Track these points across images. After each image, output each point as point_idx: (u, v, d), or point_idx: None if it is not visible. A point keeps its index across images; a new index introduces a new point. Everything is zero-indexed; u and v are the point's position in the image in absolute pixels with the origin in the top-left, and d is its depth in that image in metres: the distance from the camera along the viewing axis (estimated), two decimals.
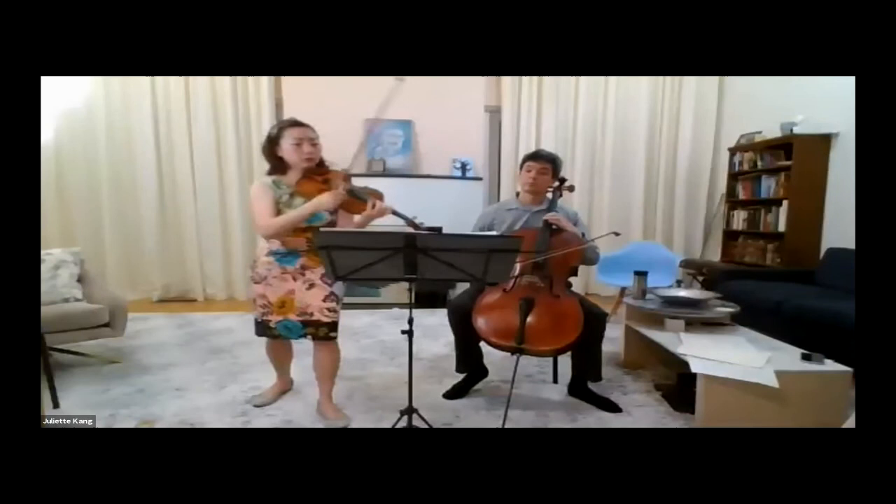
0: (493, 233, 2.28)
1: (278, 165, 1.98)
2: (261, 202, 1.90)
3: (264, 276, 1.98)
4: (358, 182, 1.99)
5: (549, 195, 2.40)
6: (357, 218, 1.95)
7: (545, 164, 2.35)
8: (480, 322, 2.03)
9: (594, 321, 2.10)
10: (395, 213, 1.86)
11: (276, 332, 2.01)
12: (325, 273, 2.02)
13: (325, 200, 1.85)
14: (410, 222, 1.81)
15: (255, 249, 2.04)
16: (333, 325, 1.99)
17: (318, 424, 2.03)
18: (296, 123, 1.96)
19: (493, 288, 2.16)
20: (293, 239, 1.95)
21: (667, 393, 2.33)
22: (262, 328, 2.03)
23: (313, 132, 1.97)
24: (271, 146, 1.96)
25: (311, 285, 1.97)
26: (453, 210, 4.29)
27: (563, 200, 2.48)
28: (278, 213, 1.92)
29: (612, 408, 2.19)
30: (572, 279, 2.37)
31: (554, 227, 2.23)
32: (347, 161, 2.10)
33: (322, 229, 2.01)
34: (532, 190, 2.37)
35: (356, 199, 1.87)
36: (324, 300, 1.97)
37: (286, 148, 1.92)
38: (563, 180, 2.42)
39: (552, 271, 2.17)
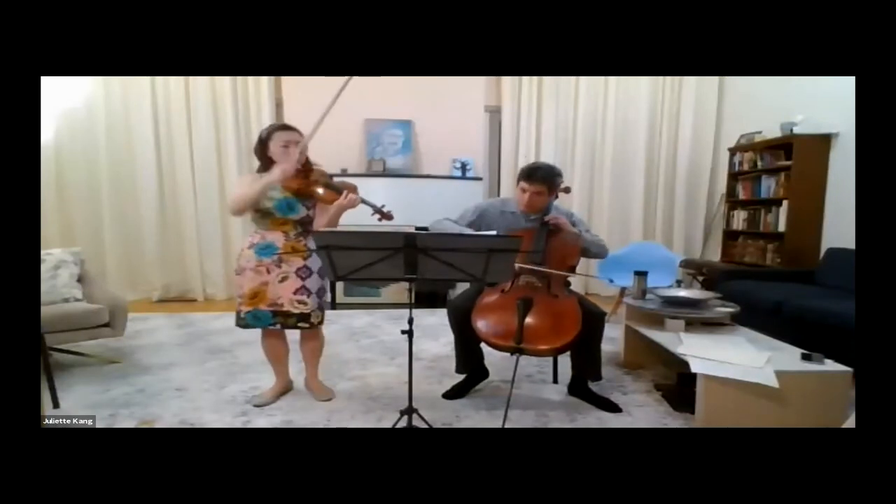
0: (493, 232, 2.27)
1: (268, 165, 2.10)
2: (240, 186, 2.07)
3: (244, 267, 2.09)
4: (359, 183, 2.04)
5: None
6: (331, 208, 2.03)
7: (540, 188, 2.22)
8: (479, 323, 2.03)
9: (593, 321, 2.10)
10: (363, 201, 2.01)
11: (245, 322, 2.10)
12: (323, 269, 2.07)
13: (275, 173, 1.96)
14: (378, 210, 2.01)
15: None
16: (303, 316, 2.11)
17: (319, 424, 2.03)
18: (284, 127, 2.11)
19: (492, 289, 2.16)
20: (271, 232, 2.10)
21: (667, 393, 2.33)
22: (238, 318, 2.12)
23: (300, 135, 2.09)
24: (262, 147, 2.10)
25: (284, 278, 2.08)
26: (453, 210, 4.29)
27: (560, 199, 2.45)
28: (261, 206, 2.05)
29: (612, 408, 2.19)
30: (571, 279, 2.36)
31: (552, 226, 2.22)
32: (345, 161, 2.14)
33: (321, 229, 2.05)
34: (528, 211, 2.31)
35: (333, 191, 2.00)
36: (294, 292, 2.08)
37: (275, 150, 2.06)
38: None
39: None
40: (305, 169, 2.05)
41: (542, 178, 2.25)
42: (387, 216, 2.03)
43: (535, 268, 2.13)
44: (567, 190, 2.43)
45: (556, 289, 2.14)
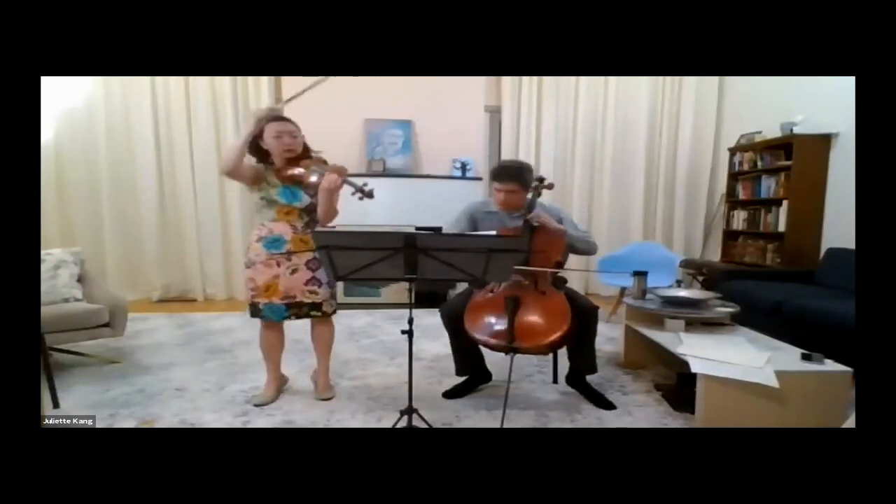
0: (493, 232, 2.27)
1: (262, 158, 2.14)
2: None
3: (254, 261, 2.12)
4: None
5: (529, 196, 2.31)
6: (319, 196, 2.06)
7: (512, 186, 2.21)
8: (471, 325, 2.04)
9: (585, 315, 2.11)
10: (346, 182, 2.02)
11: (262, 313, 2.14)
12: (325, 271, 2.07)
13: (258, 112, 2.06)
14: (359, 188, 1.99)
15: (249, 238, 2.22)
16: (315, 305, 2.15)
17: (319, 424, 2.03)
18: (276, 118, 2.11)
19: (481, 290, 2.17)
20: (278, 224, 2.11)
21: (667, 393, 2.33)
22: (254, 309, 2.16)
23: (293, 125, 2.12)
24: (254, 139, 2.10)
25: (295, 270, 2.12)
26: (453, 210, 4.29)
27: (553, 199, 2.42)
28: (265, 195, 2.09)
29: (606, 404, 2.19)
30: (568, 275, 2.34)
31: (535, 224, 2.17)
32: (346, 161, 2.17)
33: (321, 229, 2.06)
34: (505, 209, 2.28)
35: (320, 177, 2.02)
36: (305, 283, 2.12)
37: (269, 141, 2.08)
38: (541, 179, 2.32)
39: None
40: (298, 158, 2.07)
41: (511, 176, 2.23)
42: (367, 195, 1.99)
43: (521, 267, 2.10)
44: (550, 186, 2.36)
45: (543, 285, 2.14)
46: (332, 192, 2.03)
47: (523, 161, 2.41)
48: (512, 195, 2.24)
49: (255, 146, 2.11)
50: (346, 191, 2.04)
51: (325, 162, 2.09)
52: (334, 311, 2.22)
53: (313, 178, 2.03)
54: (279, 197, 2.08)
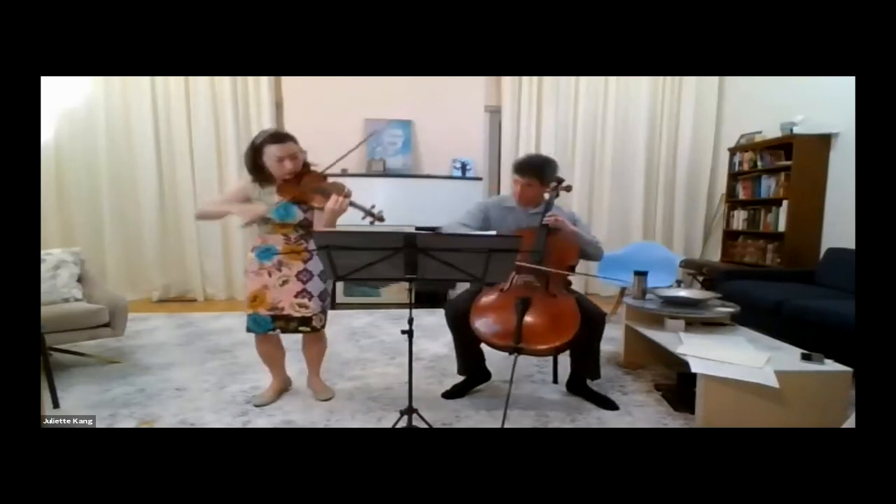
0: (493, 232, 2.27)
1: (259, 172, 2.07)
2: (228, 189, 2.08)
3: (248, 270, 2.13)
4: (359, 183, 2.02)
5: (546, 196, 2.36)
6: (323, 214, 1.96)
7: (530, 179, 2.27)
8: (478, 323, 2.03)
9: (593, 321, 2.10)
10: (353, 204, 1.93)
11: (246, 326, 2.12)
12: (324, 272, 2.07)
13: (260, 210, 2.04)
14: (368, 212, 1.91)
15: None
16: (304, 320, 2.10)
17: (319, 424, 2.03)
18: (277, 139, 2.02)
19: (490, 288, 2.16)
20: (272, 236, 2.10)
21: (667, 393, 2.32)
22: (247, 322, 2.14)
23: (295, 146, 2.04)
24: (254, 154, 2.05)
25: (285, 282, 2.08)
26: (453, 210, 4.29)
27: (561, 200, 2.44)
28: (258, 212, 2.05)
29: (609, 405, 2.19)
30: (571, 277, 2.35)
31: (551, 226, 2.19)
32: (345, 161, 2.14)
33: (321, 229, 2.05)
34: (522, 202, 2.33)
35: (324, 197, 1.94)
36: (295, 296, 2.08)
37: (269, 163, 2.03)
38: (559, 181, 2.37)
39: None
40: (300, 175, 2.02)
41: (531, 170, 2.28)
42: (378, 218, 1.93)
43: (535, 266, 2.12)
44: (569, 188, 2.42)
45: (554, 288, 2.14)
46: (337, 214, 1.96)
47: (550, 157, 2.39)
48: (528, 188, 2.29)
49: (254, 163, 2.05)
50: (355, 214, 1.96)
51: (324, 178, 2.03)
52: (323, 326, 2.17)
53: (316, 203, 1.98)
54: (273, 215, 2.05)
